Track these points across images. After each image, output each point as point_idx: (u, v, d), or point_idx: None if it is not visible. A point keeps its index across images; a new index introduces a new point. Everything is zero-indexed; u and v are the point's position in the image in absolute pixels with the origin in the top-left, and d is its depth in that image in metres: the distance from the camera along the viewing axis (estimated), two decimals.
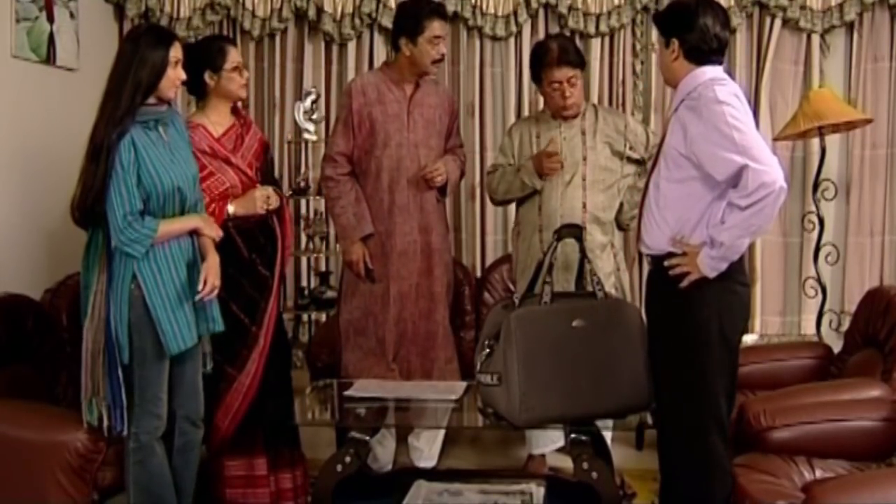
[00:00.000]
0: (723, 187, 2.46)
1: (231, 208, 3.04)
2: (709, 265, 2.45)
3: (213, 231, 2.81)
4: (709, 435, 2.50)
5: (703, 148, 2.43)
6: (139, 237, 2.59)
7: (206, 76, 3.03)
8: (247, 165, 3.10)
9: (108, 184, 2.56)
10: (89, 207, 2.58)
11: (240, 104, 3.21)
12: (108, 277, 2.63)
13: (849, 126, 4.11)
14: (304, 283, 4.69)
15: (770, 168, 2.36)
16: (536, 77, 3.42)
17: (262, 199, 3.07)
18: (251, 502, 3.14)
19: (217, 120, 3.11)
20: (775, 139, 4.24)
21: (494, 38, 4.51)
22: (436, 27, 3.28)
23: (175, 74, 2.68)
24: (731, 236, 2.41)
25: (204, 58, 3.00)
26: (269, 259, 3.12)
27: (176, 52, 2.67)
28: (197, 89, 3.08)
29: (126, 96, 2.59)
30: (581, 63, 3.38)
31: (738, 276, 2.53)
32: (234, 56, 3.08)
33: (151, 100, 2.66)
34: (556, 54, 3.29)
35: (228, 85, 3.07)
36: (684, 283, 2.49)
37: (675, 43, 2.54)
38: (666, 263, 2.53)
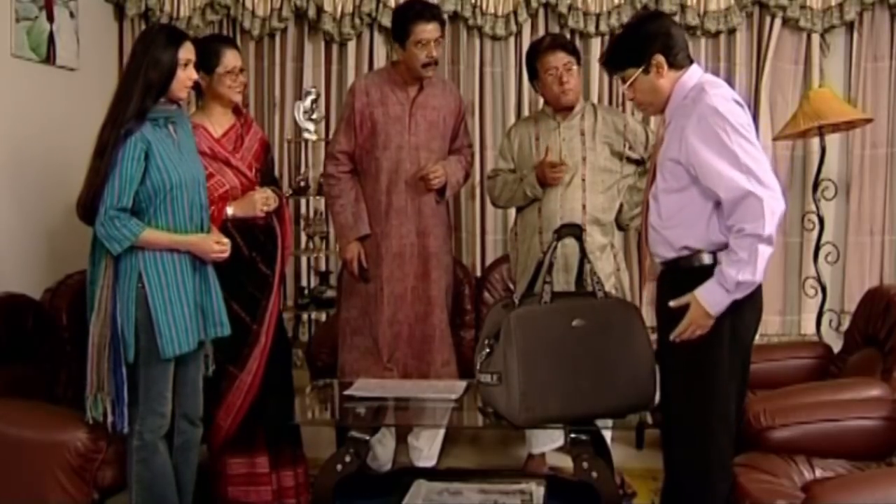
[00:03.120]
0: None
1: (230, 210, 3.04)
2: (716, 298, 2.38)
3: (207, 252, 2.75)
4: (715, 437, 2.47)
5: (699, 156, 2.42)
6: (118, 236, 2.57)
7: (199, 77, 3.02)
8: (247, 167, 3.10)
9: (107, 175, 2.56)
10: (91, 203, 2.58)
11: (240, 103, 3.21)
12: (114, 273, 2.63)
13: (849, 125, 4.10)
14: (304, 282, 4.69)
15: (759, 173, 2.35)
16: (533, 72, 3.43)
17: (261, 201, 3.07)
18: (253, 500, 3.15)
19: (217, 120, 3.11)
20: (775, 139, 4.24)
21: (494, 38, 4.50)
22: (420, 30, 3.24)
23: (186, 75, 2.69)
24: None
25: (198, 58, 2.99)
26: (270, 257, 3.13)
27: (186, 52, 2.67)
28: (196, 89, 3.07)
29: (136, 97, 2.59)
30: (576, 53, 3.42)
31: None
32: (229, 59, 3.06)
33: (161, 99, 2.66)
34: (549, 41, 3.42)
35: (219, 87, 3.07)
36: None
37: (659, 58, 2.50)
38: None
